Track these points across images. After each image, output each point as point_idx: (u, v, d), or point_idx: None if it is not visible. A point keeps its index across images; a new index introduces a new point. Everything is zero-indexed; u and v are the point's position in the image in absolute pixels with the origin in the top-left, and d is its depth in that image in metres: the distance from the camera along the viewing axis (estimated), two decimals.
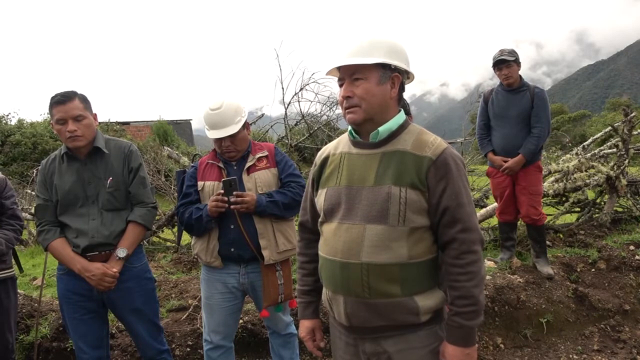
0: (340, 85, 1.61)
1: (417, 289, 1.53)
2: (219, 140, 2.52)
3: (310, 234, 1.82)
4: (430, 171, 1.50)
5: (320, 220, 1.69)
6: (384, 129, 1.58)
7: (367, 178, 1.56)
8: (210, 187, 2.53)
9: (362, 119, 1.57)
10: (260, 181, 2.53)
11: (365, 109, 1.56)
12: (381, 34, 1.63)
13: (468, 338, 1.50)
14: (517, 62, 4.00)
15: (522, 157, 3.96)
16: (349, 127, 1.67)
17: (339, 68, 1.60)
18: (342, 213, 1.58)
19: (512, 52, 4.01)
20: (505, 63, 3.98)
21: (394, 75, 1.58)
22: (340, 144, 1.71)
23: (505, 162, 4.04)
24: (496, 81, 4.25)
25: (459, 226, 1.49)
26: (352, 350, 1.67)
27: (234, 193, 2.40)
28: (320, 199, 1.67)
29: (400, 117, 1.62)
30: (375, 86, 1.55)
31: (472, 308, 1.49)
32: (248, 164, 2.56)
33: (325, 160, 1.72)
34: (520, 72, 4.07)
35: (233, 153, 2.55)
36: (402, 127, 1.60)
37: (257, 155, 2.59)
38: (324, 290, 1.69)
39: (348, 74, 1.57)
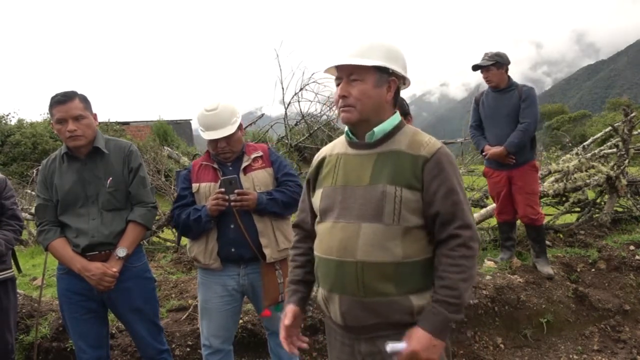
0: (338, 84, 1.63)
1: (412, 288, 1.53)
2: (214, 142, 2.51)
3: (305, 231, 1.83)
4: (426, 169, 1.53)
5: (316, 220, 1.71)
6: (379, 129, 1.60)
7: (362, 178, 1.58)
8: (206, 189, 2.52)
9: (356, 119, 1.60)
10: (257, 181, 2.53)
11: (360, 109, 1.58)
12: (382, 37, 1.65)
13: (441, 329, 1.46)
14: (497, 65, 4.00)
15: (504, 148, 3.97)
16: (346, 129, 1.70)
17: (337, 67, 1.61)
18: (338, 212, 1.60)
19: (493, 56, 4.01)
20: (482, 68, 4.04)
21: (391, 80, 1.60)
22: (336, 146, 1.74)
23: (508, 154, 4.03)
24: None
25: (457, 223, 1.51)
26: (347, 350, 1.67)
27: (236, 191, 2.40)
28: (317, 199, 1.69)
29: (395, 118, 1.64)
30: (371, 88, 1.58)
31: (454, 300, 1.46)
32: (244, 164, 2.56)
33: (322, 162, 1.74)
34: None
35: (228, 154, 2.55)
36: (397, 128, 1.63)
37: (253, 156, 2.59)
38: (320, 290, 1.70)
39: (346, 73, 1.59)
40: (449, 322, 1.48)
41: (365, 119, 1.60)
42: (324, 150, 1.78)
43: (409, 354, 1.45)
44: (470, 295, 1.53)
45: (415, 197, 1.52)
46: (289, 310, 1.76)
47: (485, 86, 4.24)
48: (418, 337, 1.46)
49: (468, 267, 1.49)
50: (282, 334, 1.75)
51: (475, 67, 4.08)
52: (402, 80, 1.66)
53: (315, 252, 1.68)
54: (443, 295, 1.47)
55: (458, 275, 1.47)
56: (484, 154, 4.16)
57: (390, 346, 1.48)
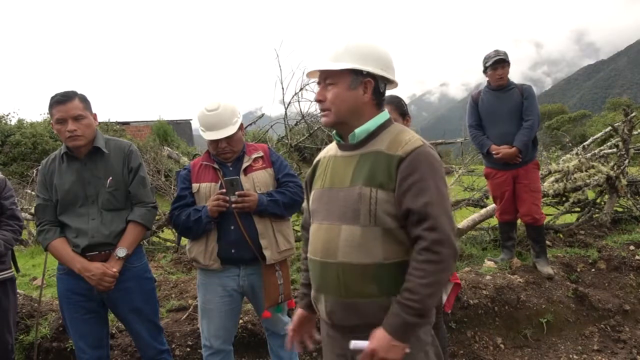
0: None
1: (393, 289, 1.51)
2: (215, 142, 2.51)
3: (308, 233, 1.84)
4: (400, 168, 1.50)
5: (309, 221, 1.74)
6: (361, 130, 1.60)
7: (344, 179, 1.59)
8: (206, 189, 2.52)
9: (333, 122, 1.62)
10: (258, 181, 2.53)
11: (335, 112, 1.60)
12: (361, 37, 1.63)
13: (400, 331, 1.45)
14: (508, 63, 4.10)
15: (516, 149, 3.98)
16: (334, 131, 1.71)
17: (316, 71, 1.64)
18: (323, 214, 1.62)
19: (506, 54, 4.09)
20: (502, 63, 4.05)
21: (366, 81, 1.59)
22: (330, 149, 1.76)
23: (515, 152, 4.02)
24: None
25: (425, 224, 1.45)
26: (338, 345, 1.69)
27: (237, 193, 2.39)
28: (310, 202, 1.73)
29: (381, 117, 1.63)
30: (344, 91, 1.58)
31: (413, 304, 1.43)
32: (245, 165, 2.55)
33: (317, 165, 1.77)
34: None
35: (229, 154, 2.55)
36: (382, 128, 1.62)
37: (253, 156, 2.59)
38: (312, 289, 1.74)
39: (322, 78, 1.62)
40: (409, 325, 1.46)
41: (341, 121, 1.61)
42: (321, 154, 1.81)
43: (369, 353, 1.46)
44: (435, 301, 1.50)
45: (389, 197, 1.50)
46: (296, 315, 1.83)
47: (484, 85, 4.25)
48: (378, 337, 1.46)
49: (430, 273, 1.44)
50: (289, 334, 1.83)
51: (499, 61, 4.03)
52: (384, 80, 1.63)
53: (307, 254, 1.73)
54: (404, 298, 1.45)
55: (419, 280, 1.44)
56: (494, 153, 4.07)
57: (353, 344, 1.51)
